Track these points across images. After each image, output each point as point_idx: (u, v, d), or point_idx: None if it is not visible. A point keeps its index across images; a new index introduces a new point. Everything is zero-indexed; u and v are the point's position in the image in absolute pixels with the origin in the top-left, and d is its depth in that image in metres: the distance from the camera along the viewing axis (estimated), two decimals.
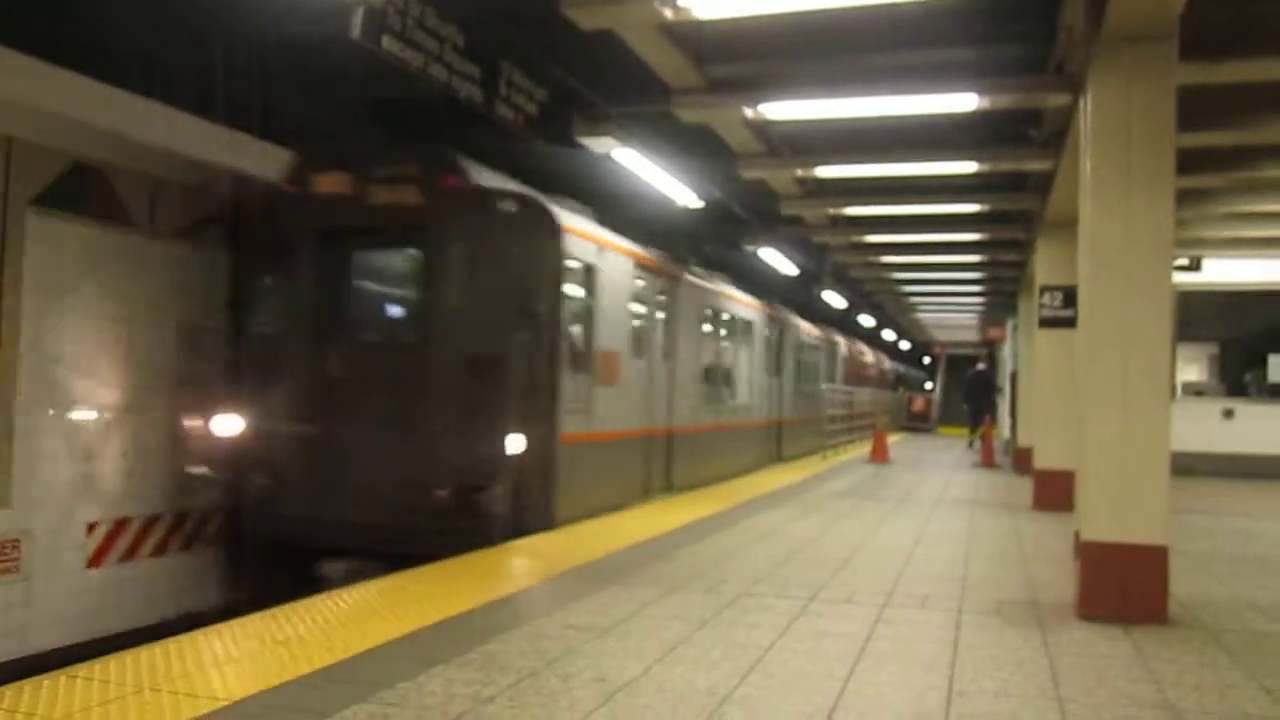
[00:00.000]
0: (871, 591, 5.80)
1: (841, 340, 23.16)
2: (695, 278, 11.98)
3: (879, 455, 17.29)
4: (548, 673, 3.97)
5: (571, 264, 8.21)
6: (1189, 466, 13.30)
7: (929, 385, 43.84)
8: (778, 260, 14.91)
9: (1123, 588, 5.20)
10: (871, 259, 16.51)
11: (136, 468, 7.62)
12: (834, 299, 20.62)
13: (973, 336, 31.77)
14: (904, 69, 7.29)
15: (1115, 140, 5.32)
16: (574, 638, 4.53)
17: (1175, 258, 9.18)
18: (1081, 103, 5.79)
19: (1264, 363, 16.28)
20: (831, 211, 12.77)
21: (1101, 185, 5.38)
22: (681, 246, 12.52)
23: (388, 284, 8.54)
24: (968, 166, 9.82)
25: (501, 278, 7.55)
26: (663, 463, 10.61)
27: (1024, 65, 7.12)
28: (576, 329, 8.43)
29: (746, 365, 14.60)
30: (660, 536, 7.68)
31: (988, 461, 17.25)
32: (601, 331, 8.78)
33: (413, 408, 7.39)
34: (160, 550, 7.80)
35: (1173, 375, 8.77)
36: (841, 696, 3.77)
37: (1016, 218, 12.40)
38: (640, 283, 9.98)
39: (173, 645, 4.23)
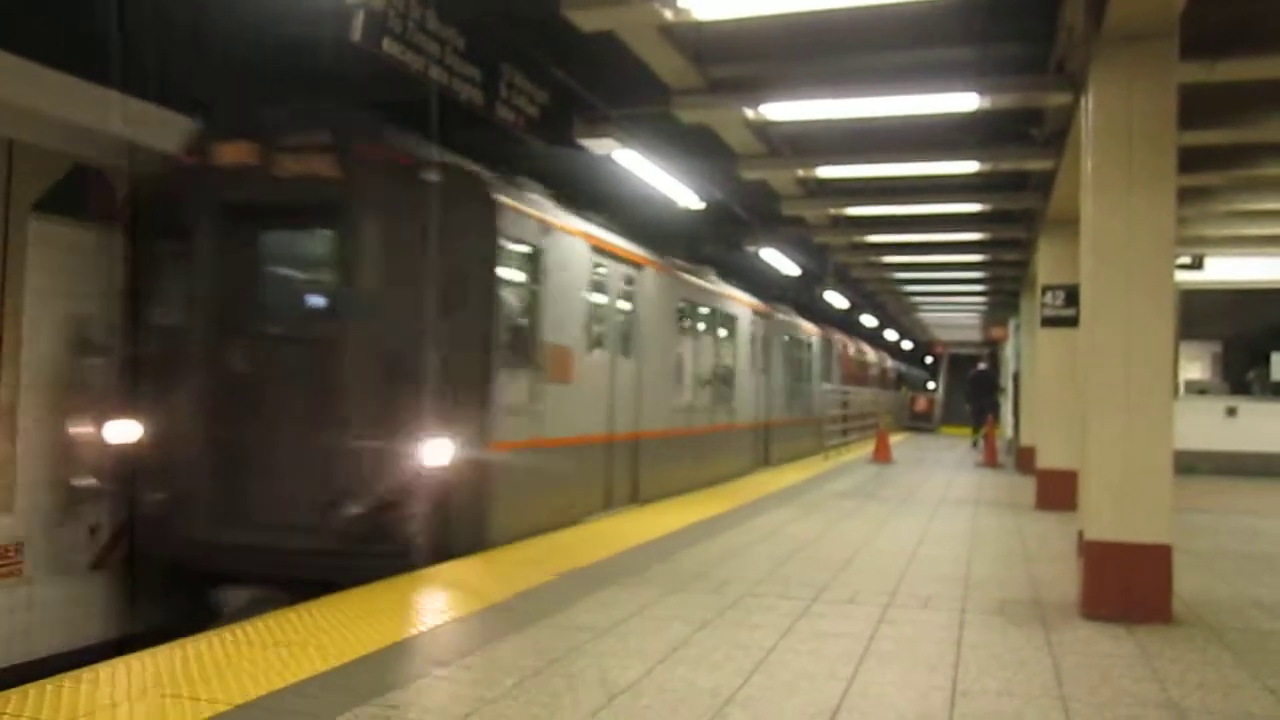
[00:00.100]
0: (874, 591, 5.79)
1: (838, 338, 22.49)
2: (667, 267, 10.83)
3: (881, 455, 17.28)
4: None
5: (510, 245, 7.13)
6: (1192, 465, 13.31)
7: (931, 385, 43.87)
8: (779, 261, 14.92)
9: (1126, 587, 5.20)
10: (873, 259, 16.51)
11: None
12: (836, 299, 20.63)
13: (975, 336, 31.80)
14: (904, 68, 7.29)
15: (1116, 139, 5.32)
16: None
17: (1177, 256, 9.19)
18: (1082, 101, 5.80)
19: (1267, 361, 16.26)
20: (833, 212, 12.77)
21: (1103, 184, 5.38)
22: (681, 247, 12.50)
23: (299, 268, 7.50)
24: (969, 166, 9.83)
25: (425, 260, 6.54)
26: (628, 471, 9.50)
27: (1025, 64, 7.12)
28: (519, 320, 7.35)
29: (730, 363, 13.44)
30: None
31: (990, 461, 17.24)
32: (550, 324, 7.70)
33: (321, 412, 6.57)
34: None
35: (1175, 374, 8.78)
36: (845, 697, 3.76)
37: (1018, 217, 12.40)
38: (601, 270, 8.87)
39: None
